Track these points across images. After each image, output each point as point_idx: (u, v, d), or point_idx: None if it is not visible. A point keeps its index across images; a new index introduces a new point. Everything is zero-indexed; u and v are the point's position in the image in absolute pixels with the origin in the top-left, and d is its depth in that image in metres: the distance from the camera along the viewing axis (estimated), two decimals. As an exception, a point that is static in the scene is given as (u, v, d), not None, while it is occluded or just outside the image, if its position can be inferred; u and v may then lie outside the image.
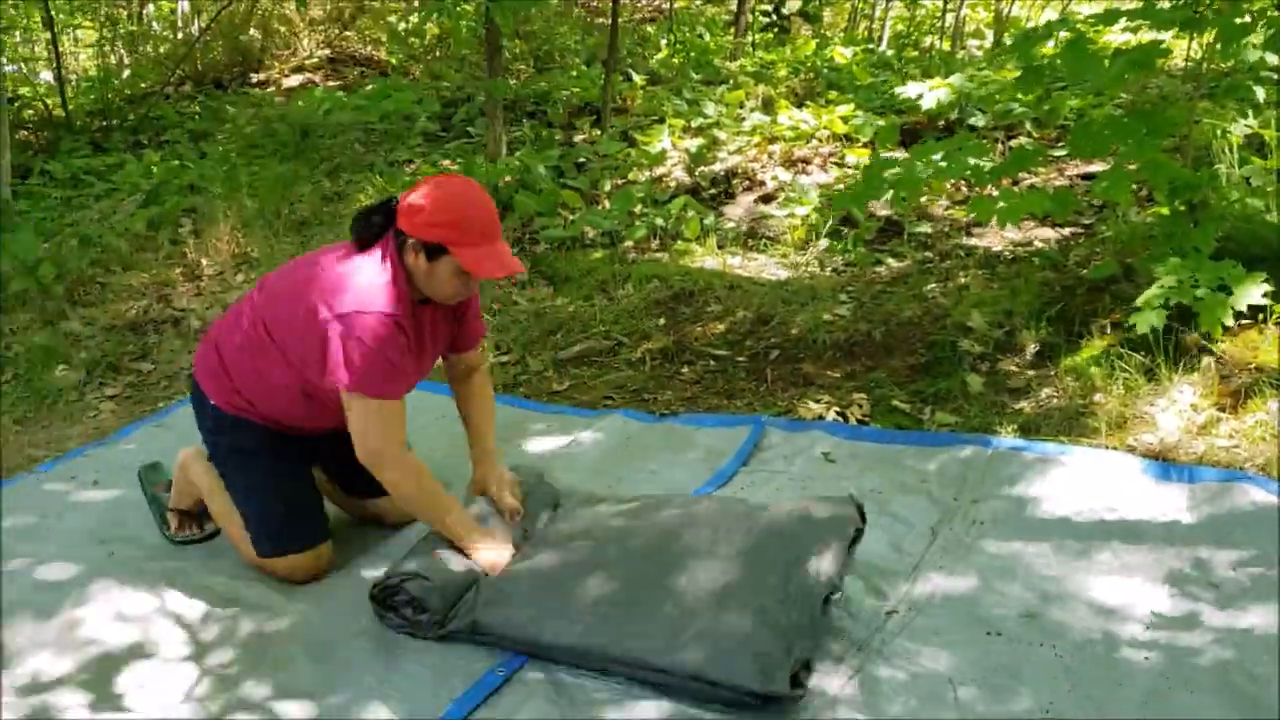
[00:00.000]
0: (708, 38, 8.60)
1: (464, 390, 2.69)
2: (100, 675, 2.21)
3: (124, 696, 2.15)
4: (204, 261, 5.26)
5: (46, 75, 9.76)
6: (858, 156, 5.30)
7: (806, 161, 5.52)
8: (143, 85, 9.20)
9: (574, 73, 7.56)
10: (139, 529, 2.87)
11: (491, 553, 2.36)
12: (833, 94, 6.37)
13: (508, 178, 5.40)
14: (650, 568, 2.20)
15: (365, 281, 2.28)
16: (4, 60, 8.21)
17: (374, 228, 2.34)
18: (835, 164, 5.44)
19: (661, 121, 6.13)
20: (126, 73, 9.85)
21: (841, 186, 5.00)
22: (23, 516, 2.98)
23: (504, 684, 2.09)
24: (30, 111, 8.54)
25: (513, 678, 2.12)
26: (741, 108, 6.26)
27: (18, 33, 10.87)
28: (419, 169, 6.10)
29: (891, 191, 3.64)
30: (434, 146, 6.62)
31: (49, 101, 8.63)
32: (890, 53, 7.86)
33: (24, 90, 9.21)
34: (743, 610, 2.01)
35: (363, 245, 2.35)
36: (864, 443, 3.05)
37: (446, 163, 6.14)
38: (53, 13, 8.64)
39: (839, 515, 2.28)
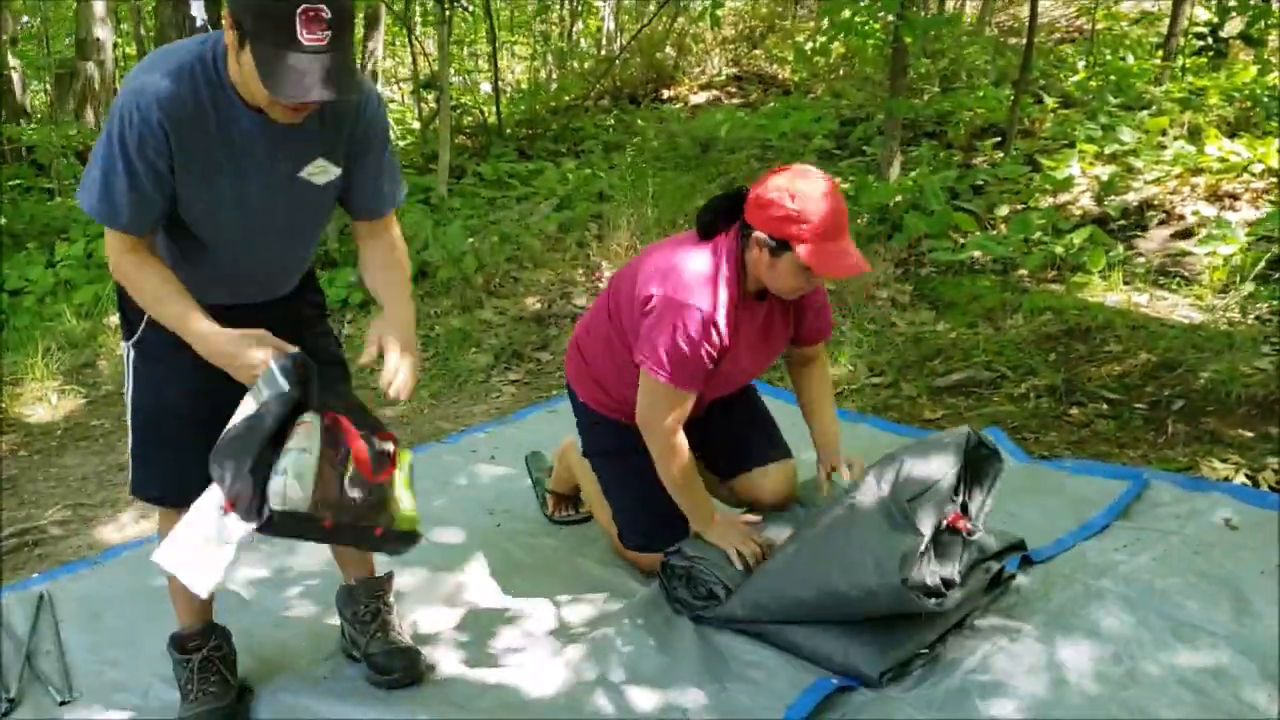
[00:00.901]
0: (1131, 60, 8.01)
1: (801, 376, 2.67)
2: (476, 636, 2.43)
3: (497, 657, 2.34)
4: (604, 264, 5.61)
5: (486, 86, 10.83)
6: (1299, 193, 4.74)
7: (1235, 197, 5.01)
8: (566, 98, 9.96)
9: (980, 93, 7.31)
10: (524, 505, 3.12)
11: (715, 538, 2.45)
12: (1273, 124, 5.73)
13: (898, 197, 5.32)
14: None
15: (692, 272, 2.29)
16: (451, 71, 9.17)
17: (719, 217, 2.35)
18: (1271, 201, 4.89)
19: (1071, 146, 5.80)
20: (553, 86, 10.72)
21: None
22: (426, 482, 3.30)
23: (834, 693, 2.10)
24: (469, 118, 9.50)
25: (845, 690, 2.12)
26: (1163, 135, 5.78)
27: (465, 47, 12.17)
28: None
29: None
30: (827, 164, 6.65)
31: (485, 110, 9.56)
32: (1353, 78, 6.93)
33: (466, 99, 10.27)
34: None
35: (705, 234, 2.36)
36: (1276, 513, 2.71)
37: (837, 180, 6.15)
38: (496, 29, 9.56)
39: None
